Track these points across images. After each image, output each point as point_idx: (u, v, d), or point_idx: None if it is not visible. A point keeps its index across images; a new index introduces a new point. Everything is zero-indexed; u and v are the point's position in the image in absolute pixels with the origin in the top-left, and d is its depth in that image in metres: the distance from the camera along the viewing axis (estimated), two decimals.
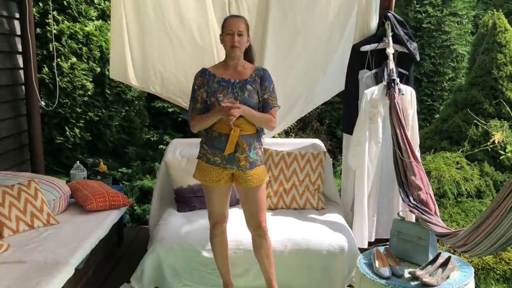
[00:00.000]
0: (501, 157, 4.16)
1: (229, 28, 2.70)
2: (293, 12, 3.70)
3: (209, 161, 2.75)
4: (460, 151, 4.29)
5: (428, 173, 3.91)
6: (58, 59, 5.21)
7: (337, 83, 3.88)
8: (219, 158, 2.72)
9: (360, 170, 3.40)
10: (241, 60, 2.79)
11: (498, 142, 4.04)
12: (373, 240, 3.48)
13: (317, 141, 3.99)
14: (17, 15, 4.27)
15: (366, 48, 3.53)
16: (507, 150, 4.01)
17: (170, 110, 6.12)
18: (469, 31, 6.43)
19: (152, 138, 6.09)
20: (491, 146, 4.10)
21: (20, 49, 4.29)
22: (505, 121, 4.33)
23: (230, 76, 2.74)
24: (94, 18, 5.54)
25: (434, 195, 3.14)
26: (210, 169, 2.76)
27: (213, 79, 2.72)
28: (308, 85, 3.91)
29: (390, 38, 3.44)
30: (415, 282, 2.55)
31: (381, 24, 3.53)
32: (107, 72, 5.23)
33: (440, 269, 2.61)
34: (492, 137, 4.03)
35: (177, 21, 3.73)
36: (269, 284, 2.98)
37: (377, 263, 2.70)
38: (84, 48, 5.39)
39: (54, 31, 5.13)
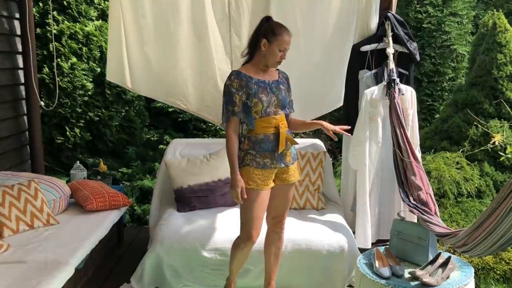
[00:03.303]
0: (501, 159, 4.16)
1: (285, 45, 2.70)
2: (293, 13, 3.70)
3: (259, 165, 2.70)
4: (460, 151, 4.29)
5: (428, 173, 3.91)
6: (58, 59, 5.21)
7: (338, 91, 3.85)
8: (269, 159, 2.71)
9: (361, 170, 3.40)
10: None
11: (498, 143, 4.05)
12: (374, 240, 3.48)
13: (317, 141, 3.99)
14: (17, 15, 4.27)
15: (366, 48, 3.53)
16: (507, 151, 4.01)
17: (170, 110, 6.13)
18: (469, 31, 6.43)
19: (152, 138, 6.09)
20: (491, 146, 4.10)
21: (20, 49, 4.29)
22: (505, 121, 4.33)
23: (263, 77, 2.75)
24: (94, 18, 5.54)
25: (434, 195, 3.14)
26: (260, 173, 2.70)
27: (250, 81, 2.69)
28: (308, 86, 3.90)
29: (390, 38, 3.44)
30: (415, 282, 2.55)
31: (381, 24, 3.53)
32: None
33: (440, 269, 2.61)
34: (492, 138, 4.03)
35: (176, 22, 3.70)
36: (267, 281, 2.99)
37: (377, 263, 2.70)
38: (84, 48, 5.39)
39: (54, 31, 5.13)
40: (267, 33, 2.68)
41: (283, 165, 2.77)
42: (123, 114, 5.76)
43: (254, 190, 2.71)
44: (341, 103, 3.87)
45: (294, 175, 2.85)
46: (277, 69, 2.88)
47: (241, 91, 2.68)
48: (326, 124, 2.80)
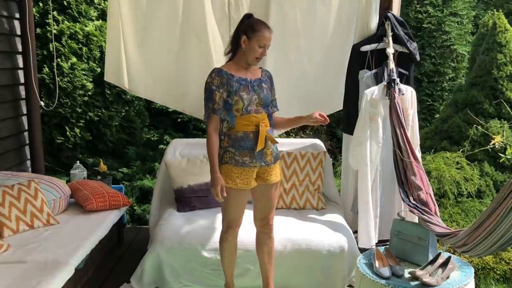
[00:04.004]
0: (501, 160, 4.16)
1: (265, 41, 2.68)
2: (294, 13, 3.69)
3: (238, 163, 2.71)
4: (460, 151, 4.29)
5: (428, 173, 3.91)
6: (58, 59, 5.21)
7: (338, 91, 3.84)
8: (248, 158, 2.71)
9: (362, 170, 3.39)
10: None
11: (498, 144, 4.04)
12: (376, 241, 3.47)
13: (317, 141, 3.99)
14: (17, 15, 4.27)
15: (366, 48, 3.52)
16: (507, 153, 4.01)
17: (170, 110, 6.13)
18: (469, 31, 6.43)
19: (152, 138, 6.10)
20: (491, 147, 4.10)
21: (20, 49, 4.29)
22: (505, 121, 4.33)
23: (245, 75, 2.75)
24: (94, 18, 5.55)
25: (434, 195, 3.14)
26: (239, 171, 2.72)
27: (232, 79, 2.69)
28: (309, 86, 3.90)
29: (390, 38, 3.44)
30: (415, 282, 2.55)
31: (381, 24, 3.53)
32: None
33: (440, 269, 2.61)
34: (492, 140, 4.03)
35: (175, 22, 3.69)
36: (265, 283, 2.99)
37: (377, 263, 2.69)
38: (84, 48, 5.40)
39: (54, 31, 5.13)
40: (247, 29, 2.68)
41: (264, 164, 2.77)
42: (123, 114, 5.76)
43: (233, 189, 2.73)
44: (341, 106, 3.85)
45: (276, 175, 2.84)
46: (260, 68, 2.88)
47: (221, 88, 2.68)
48: (306, 116, 2.80)
